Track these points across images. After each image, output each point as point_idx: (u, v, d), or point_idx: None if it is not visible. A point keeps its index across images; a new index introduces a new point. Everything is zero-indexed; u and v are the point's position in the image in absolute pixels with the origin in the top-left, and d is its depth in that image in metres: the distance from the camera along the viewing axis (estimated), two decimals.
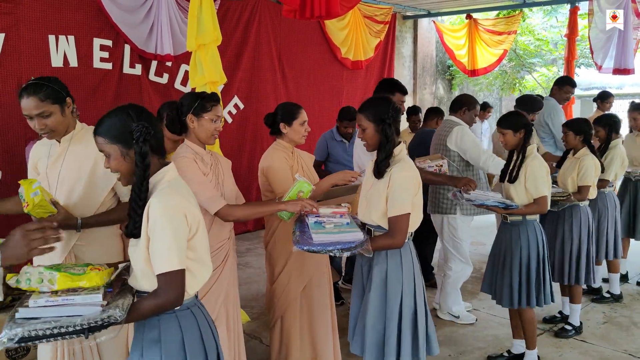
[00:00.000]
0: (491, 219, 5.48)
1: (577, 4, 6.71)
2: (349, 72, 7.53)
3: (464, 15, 7.91)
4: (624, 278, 4.83)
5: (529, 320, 3.21)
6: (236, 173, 5.90)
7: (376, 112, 2.33)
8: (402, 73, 8.57)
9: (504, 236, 3.21)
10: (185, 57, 5.29)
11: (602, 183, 4.02)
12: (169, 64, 5.58)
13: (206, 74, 3.38)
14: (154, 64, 5.49)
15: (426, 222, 4.22)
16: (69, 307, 1.50)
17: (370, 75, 7.75)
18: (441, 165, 3.50)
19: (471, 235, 4.08)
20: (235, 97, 6.29)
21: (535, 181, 3.06)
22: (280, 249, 2.89)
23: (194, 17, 3.32)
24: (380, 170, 2.31)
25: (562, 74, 7.04)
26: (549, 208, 3.17)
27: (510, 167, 3.17)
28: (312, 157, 3.15)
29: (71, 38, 4.85)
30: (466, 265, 3.90)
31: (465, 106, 3.89)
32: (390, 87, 3.51)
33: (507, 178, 3.19)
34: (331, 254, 2.06)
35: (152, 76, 5.52)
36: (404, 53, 8.62)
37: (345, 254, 2.07)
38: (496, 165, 3.65)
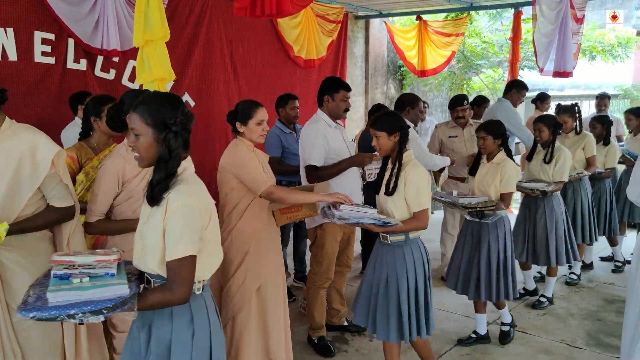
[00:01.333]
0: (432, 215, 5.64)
1: (520, 9, 6.98)
2: (301, 71, 7.53)
3: (414, 16, 8.07)
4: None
5: (422, 344, 2.89)
6: None
7: (158, 112, 1.75)
8: (354, 73, 8.65)
9: (386, 259, 2.77)
10: (134, 53, 5.13)
11: (557, 185, 4.10)
12: (116, 59, 5.42)
13: (154, 70, 3.30)
14: (100, 59, 5.32)
15: None
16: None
17: (323, 74, 7.77)
18: (378, 169, 3.55)
19: None
20: (186, 94, 6.19)
21: (417, 193, 2.67)
22: (237, 247, 2.87)
23: (140, 12, 3.24)
24: (154, 195, 1.70)
25: (507, 75, 7.30)
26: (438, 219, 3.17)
27: (387, 177, 2.79)
28: (267, 156, 3.16)
29: (10, 31, 4.64)
30: None
31: (408, 105, 4.01)
32: (335, 84, 3.56)
33: (383, 190, 2.80)
34: (73, 320, 1.50)
35: (98, 72, 5.35)
36: (356, 53, 8.70)
37: (94, 319, 1.52)
38: (435, 162, 3.80)
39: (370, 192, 4.50)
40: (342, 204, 2.69)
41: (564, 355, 3.53)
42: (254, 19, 4.55)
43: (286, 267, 4.36)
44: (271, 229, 3.01)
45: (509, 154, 3.58)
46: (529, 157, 4.32)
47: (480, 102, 5.67)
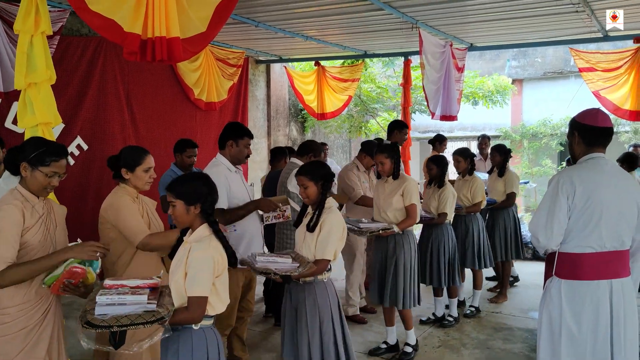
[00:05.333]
0: None
1: (409, 57, 7.51)
2: (202, 113, 7.50)
3: (313, 62, 8.38)
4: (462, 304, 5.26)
5: None
6: (79, 219, 5.46)
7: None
8: (256, 115, 8.75)
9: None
10: (18, 94, 4.88)
11: (310, 268, 2.84)
12: None
13: (38, 114, 3.13)
14: None
15: None
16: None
17: (224, 116, 7.80)
18: (284, 211, 3.60)
19: None
20: (78, 137, 5.91)
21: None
22: None
23: (22, 54, 3.10)
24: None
25: (401, 119, 7.74)
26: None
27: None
28: (154, 203, 3.08)
29: None
30: None
31: (312, 152, 4.14)
32: (239, 130, 3.61)
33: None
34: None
35: None
36: (258, 96, 8.84)
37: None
38: None
39: (270, 234, 4.54)
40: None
41: None
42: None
43: None
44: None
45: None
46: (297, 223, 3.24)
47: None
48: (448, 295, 4.87)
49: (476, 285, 5.15)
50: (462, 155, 5.17)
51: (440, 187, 4.70)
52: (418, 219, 4.09)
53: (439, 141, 6.65)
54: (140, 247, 2.71)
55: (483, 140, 7.04)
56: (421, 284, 4.36)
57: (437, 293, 4.88)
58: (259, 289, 4.89)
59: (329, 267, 3.01)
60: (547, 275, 2.69)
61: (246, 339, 3.85)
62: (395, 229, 3.91)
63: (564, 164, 9.89)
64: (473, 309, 5.13)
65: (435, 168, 4.79)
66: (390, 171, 4.06)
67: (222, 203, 3.40)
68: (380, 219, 4.08)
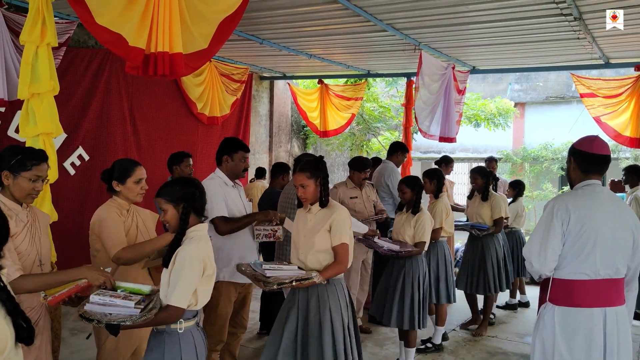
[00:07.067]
0: None
1: (412, 78, 7.57)
2: (204, 127, 7.54)
3: (317, 80, 8.45)
4: None
5: None
6: (78, 229, 5.45)
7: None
8: (258, 131, 8.80)
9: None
10: (22, 103, 4.92)
11: None
12: (2, 109, 5.13)
13: (39, 124, 3.17)
14: None
15: None
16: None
17: (226, 131, 7.84)
18: (276, 230, 3.60)
19: None
20: (80, 147, 5.94)
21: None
22: None
23: (27, 64, 3.13)
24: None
25: (402, 138, 7.78)
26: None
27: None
28: (155, 216, 3.08)
29: None
30: None
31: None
32: (234, 145, 3.65)
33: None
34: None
35: None
36: (261, 112, 8.89)
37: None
38: None
39: (268, 251, 4.55)
40: None
41: None
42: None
43: None
44: None
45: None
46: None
47: (375, 163, 5.99)
48: (405, 344, 4.10)
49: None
50: (480, 173, 5.16)
51: (415, 213, 4.03)
52: (349, 264, 2.94)
53: (445, 162, 6.51)
54: (114, 260, 2.71)
55: (490, 162, 7.04)
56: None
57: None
58: (256, 305, 4.88)
59: (195, 313, 2.34)
60: (541, 301, 2.68)
61: (239, 356, 3.83)
62: (317, 278, 2.76)
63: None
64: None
65: (409, 192, 4.07)
66: (314, 197, 2.94)
67: (222, 210, 3.41)
68: (298, 262, 2.97)
